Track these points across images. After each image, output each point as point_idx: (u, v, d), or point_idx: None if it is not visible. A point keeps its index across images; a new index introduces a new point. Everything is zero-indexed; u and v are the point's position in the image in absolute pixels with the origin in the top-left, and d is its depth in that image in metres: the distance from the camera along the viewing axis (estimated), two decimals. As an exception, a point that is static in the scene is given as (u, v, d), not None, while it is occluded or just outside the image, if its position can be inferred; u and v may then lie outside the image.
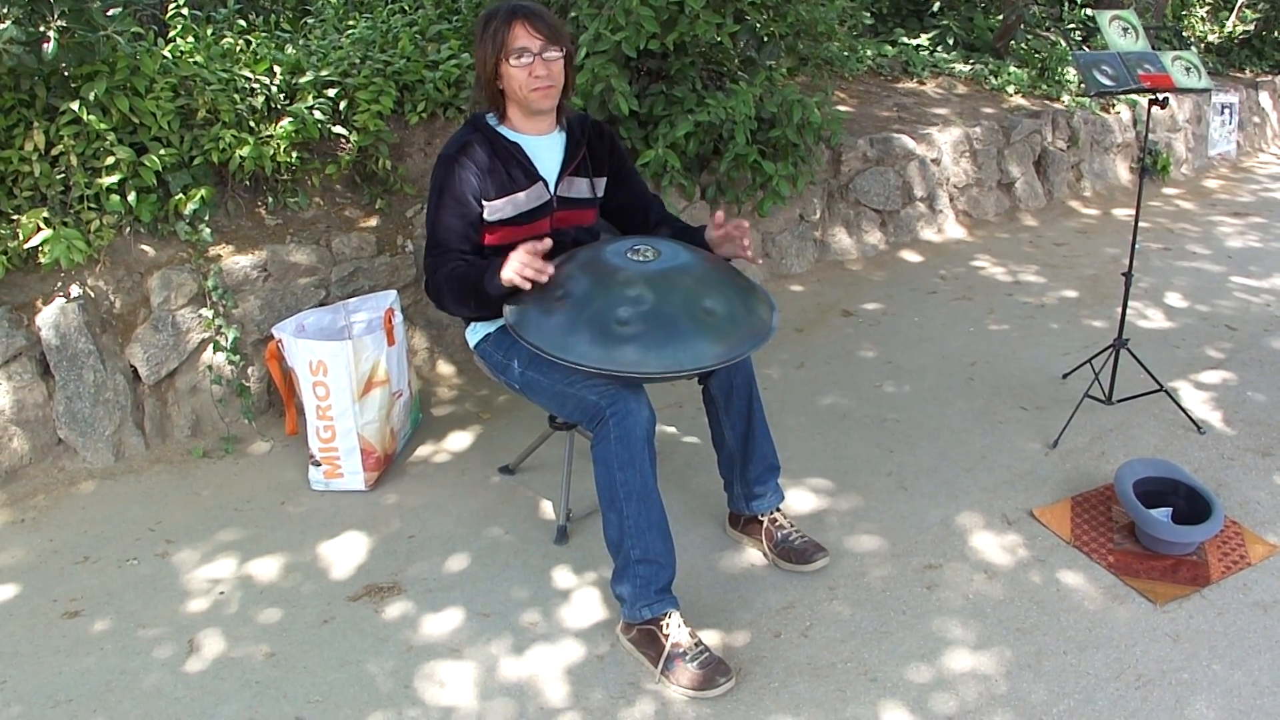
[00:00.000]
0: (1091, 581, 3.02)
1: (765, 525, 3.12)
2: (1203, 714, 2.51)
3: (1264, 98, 9.86)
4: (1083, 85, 8.01)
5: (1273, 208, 7.54)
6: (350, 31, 4.94)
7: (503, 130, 2.95)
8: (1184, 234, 6.75)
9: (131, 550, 3.20)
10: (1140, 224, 4.44)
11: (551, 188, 2.98)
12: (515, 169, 2.90)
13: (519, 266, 2.62)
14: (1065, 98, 7.72)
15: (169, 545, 3.23)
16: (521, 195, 2.92)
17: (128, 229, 3.72)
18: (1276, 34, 10.52)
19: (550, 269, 2.63)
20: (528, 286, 2.64)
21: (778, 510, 3.15)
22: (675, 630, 2.62)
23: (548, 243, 2.70)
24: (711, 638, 2.77)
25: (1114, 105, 7.88)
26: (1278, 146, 9.98)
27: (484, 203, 2.88)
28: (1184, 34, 10.35)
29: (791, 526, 3.12)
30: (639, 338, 2.46)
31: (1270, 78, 10.15)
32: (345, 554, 3.18)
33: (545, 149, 2.99)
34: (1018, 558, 3.14)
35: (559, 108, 2.98)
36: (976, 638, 2.78)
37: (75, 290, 3.56)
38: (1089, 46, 8.99)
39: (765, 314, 2.69)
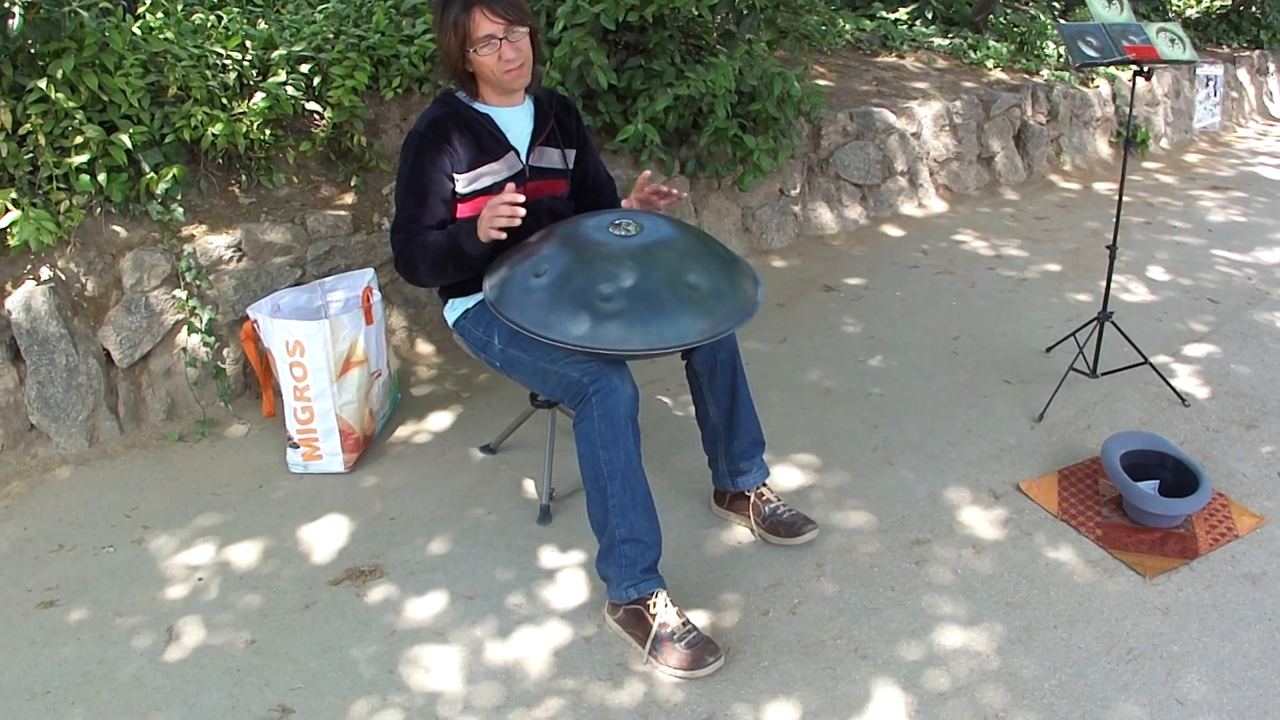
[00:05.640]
0: (1080, 555, 3.00)
1: (752, 500, 3.09)
2: (1194, 686, 2.49)
3: (1242, 73, 9.86)
4: (1066, 57, 8.00)
5: (1253, 182, 7.54)
6: (323, 6, 4.86)
7: (473, 103, 2.91)
8: (1164, 208, 6.74)
9: (107, 537, 3.14)
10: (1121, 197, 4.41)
11: (523, 157, 2.94)
12: (487, 140, 2.88)
13: (490, 217, 2.63)
14: (1044, 72, 7.69)
15: (145, 531, 3.17)
16: (495, 165, 2.89)
17: (98, 209, 3.64)
18: (1254, 9, 10.51)
19: (521, 207, 2.62)
20: (504, 236, 2.64)
21: (764, 485, 3.11)
22: (662, 610, 2.59)
23: (518, 196, 2.68)
24: (699, 617, 2.74)
25: (1093, 79, 7.86)
26: (1257, 121, 9.99)
27: (456, 176, 2.85)
28: (1160, 8, 10.34)
29: (779, 500, 3.09)
30: (622, 314, 2.42)
31: (1249, 53, 10.15)
32: (325, 537, 3.13)
33: (515, 120, 2.97)
34: (1006, 532, 3.12)
35: None
36: (966, 613, 2.76)
37: (45, 273, 3.48)
38: (1067, 19, 8.97)
39: (750, 288, 2.66)
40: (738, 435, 3.04)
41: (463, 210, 2.89)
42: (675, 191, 2.97)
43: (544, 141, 3.01)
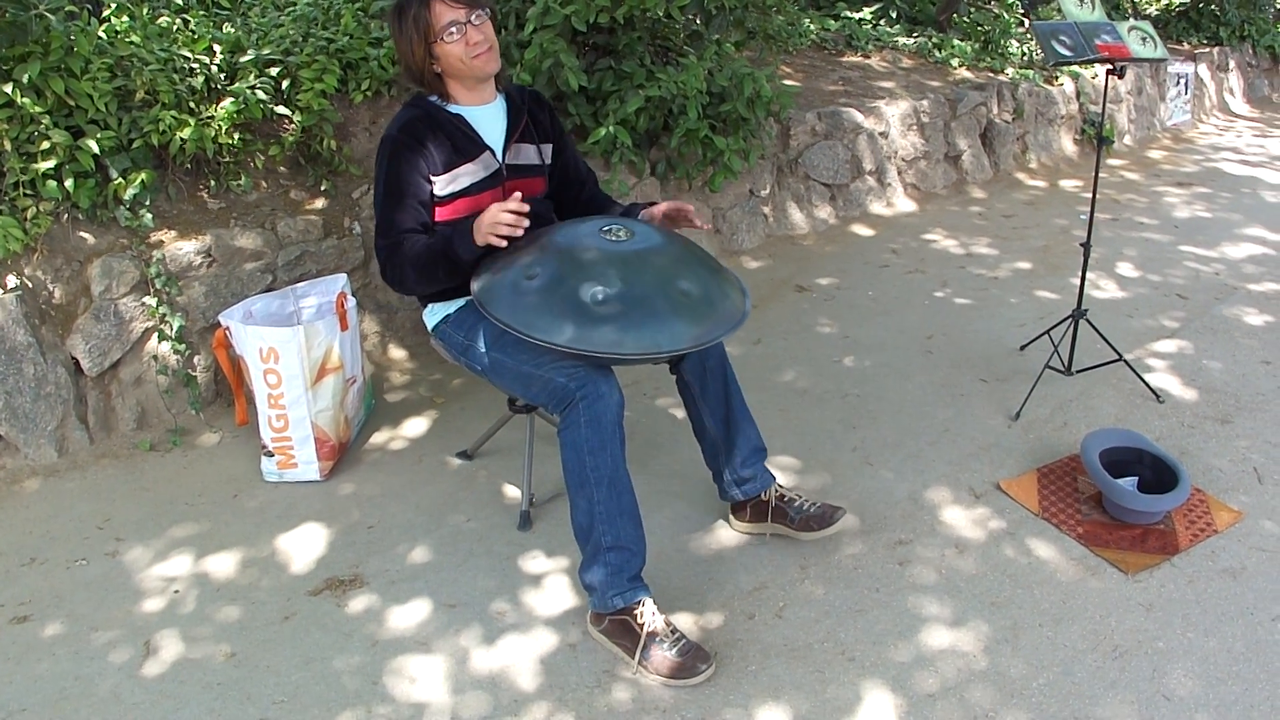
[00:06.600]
0: (1062, 553, 3.01)
1: (773, 505, 3.03)
2: (1181, 682, 2.50)
3: (1202, 70, 9.96)
4: (1030, 55, 8.05)
5: (1216, 178, 7.61)
6: (291, 8, 4.80)
7: (445, 105, 2.88)
8: (1131, 204, 6.79)
9: (80, 550, 3.09)
10: (1088, 194, 4.44)
11: (499, 156, 2.91)
12: (461, 140, 2.85)
13: (492, 223, 2.61)
14: (1009, 70, 7.73)
15: (119, 543, 3.12)
16: (471, 165, 2.85)
17: (65, 216, 3.58)
18: (1213, 7, 10.61)
19: (526, 220, 2.63)
20: (504, 244, 2.63)
21: (778, 486, 3.06)
22: (650, 618, 2.56)
23: (524, 205, 2.65)
24: (684, 621, 2.73)
25: (1057, 77, 7.91)
26: (1218, 117, 10.09)
27: (433, 178, 2.81)
28: (1120, 6, 10.42)
29: (800, 497, 3.05)
30: (616, 318, 2.40)
31: (1208, 50, 10.24)
32: (303, 547, 3.09)
33: (488, 118, 2.94)
34: (988, 531, 3.12)
35: (497, 74, 2.94)
36: (952, 614, 2.76)
37: (12, 281, 3.41)
38: (1030, 18, 9.02)
39: (737, 297, 2.65)
40: (737, 443, 3.00)
41: (441, 213, 2.85)
42: (701, 222, 2.95)
43: (519, 139, 2.98)
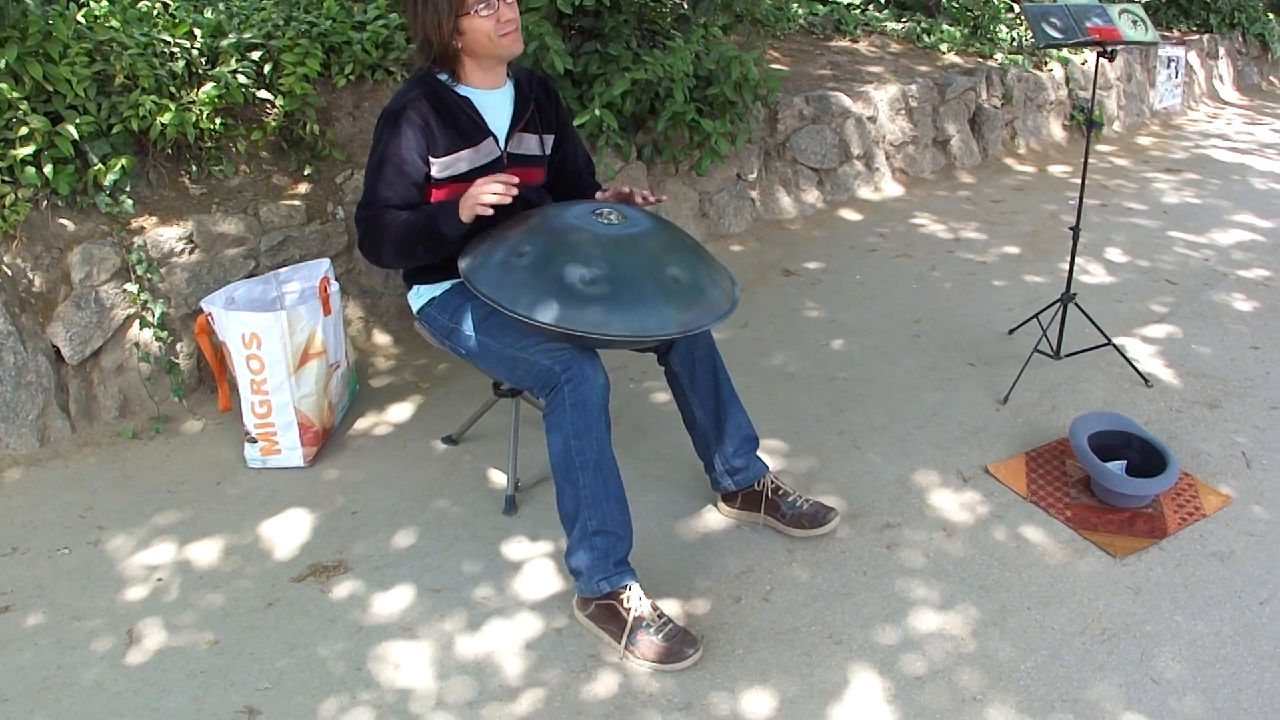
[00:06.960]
0: (1050, 536, 3.00)
1: (766, 496, 3.01)
2: (1168, 665, 2.49)
3: (1192, 57, 9.95)
4: (1019, 40, 8.03)
5: (1205, 164, 7.61)
6: (272, -8, 4.76)
7: (454, 86, 2.84)
8: (1120, 190, 6.79)
9: (62, 539, 3.05)
10: (1077, 179, 4.45)
11: (502, 143, 2.88)
12: (465, 124, 2.80)
13: (480, 193, 2.58)
14: (998, 55, 7.71)
15: (101, 532, 3.09)
16: (471, 151, 2.81)
17: (45, 202, 3.54)
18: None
19: (515, 190, 2.59)
20: (490, 212, 2.59)
21: (770, 477, 3.03)
22: (636, 602, 2.54)
23: (514, 178, 2.63)
24: (670, 606, 2.71)
25: (1047, 62, 7.90)
26: (1207, 104, 10.08)
27: (431, 159, 2.77)
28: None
29: (794, 492, 3.02)
30: (604, 299, 2.38)
31: (1198, 36, 10.23)
32: (287, 533, 3.06)
33: (495, 104, 2.89)
34: (976, 514, 3.11)
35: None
36: (940, 597, 2.74)
37: (-10, 267, 3.39)
38: (1020, 1, 9.00)
39: (727, 285, 2.63)
40: (727, 434, 2.97)
41: (437, 196, 2.81)
42: (650, 196, 2.89)
43: (523, 128, 2.94)
